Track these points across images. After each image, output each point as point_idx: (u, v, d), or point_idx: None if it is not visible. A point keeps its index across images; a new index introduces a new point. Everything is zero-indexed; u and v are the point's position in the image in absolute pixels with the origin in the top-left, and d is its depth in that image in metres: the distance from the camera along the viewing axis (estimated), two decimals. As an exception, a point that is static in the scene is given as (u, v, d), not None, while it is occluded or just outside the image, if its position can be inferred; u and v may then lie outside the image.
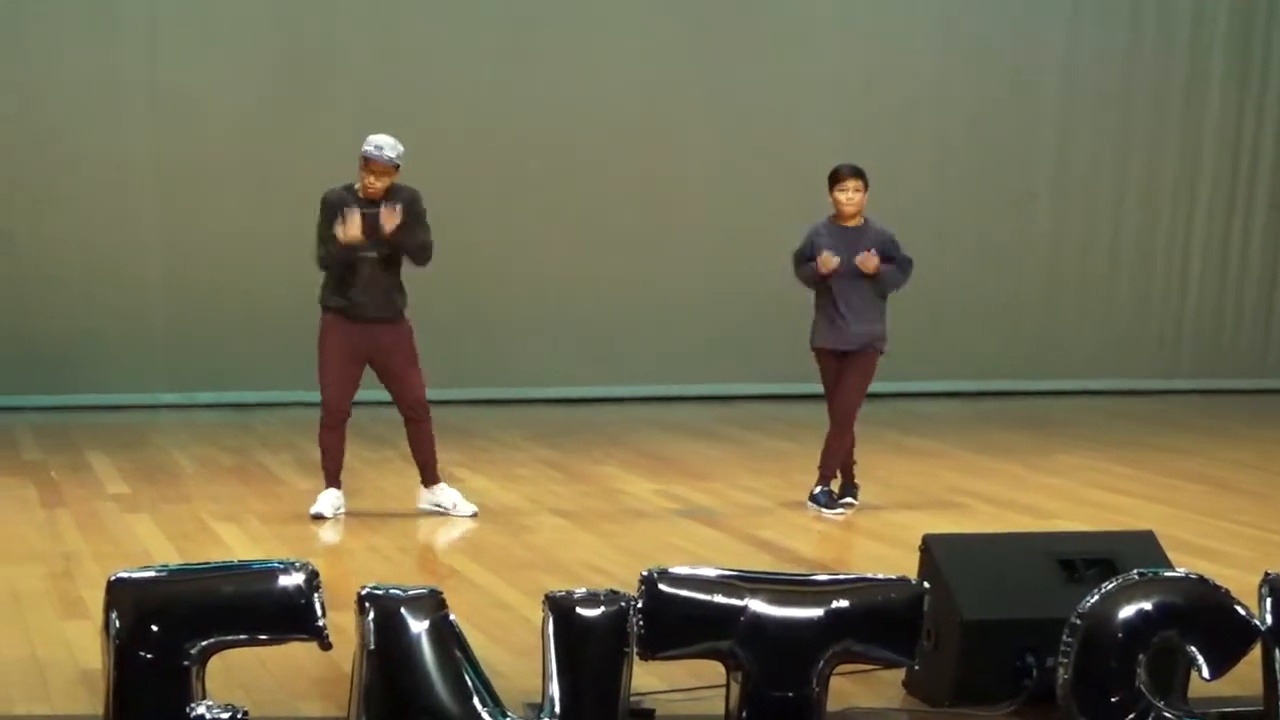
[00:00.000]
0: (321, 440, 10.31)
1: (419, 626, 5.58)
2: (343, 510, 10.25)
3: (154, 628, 5.53)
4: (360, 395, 10.10)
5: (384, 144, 10.03)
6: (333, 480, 10.29)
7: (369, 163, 10.01)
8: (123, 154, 14.58)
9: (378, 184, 10.02)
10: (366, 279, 10.10)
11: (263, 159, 14.75)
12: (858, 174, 10.71)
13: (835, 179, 10.73)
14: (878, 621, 5.99)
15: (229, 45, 14.81)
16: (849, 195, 10.66)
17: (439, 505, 10.37)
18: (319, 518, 10.16)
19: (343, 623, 5.86)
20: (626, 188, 15.67)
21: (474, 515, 10.32)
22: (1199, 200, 17.35)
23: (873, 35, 16.26)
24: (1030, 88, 16.73)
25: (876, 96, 16.20)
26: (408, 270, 10.31)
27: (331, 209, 10.06)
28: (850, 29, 16.20)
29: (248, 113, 14.81)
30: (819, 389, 11.01)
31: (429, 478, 10.42)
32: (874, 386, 16.14)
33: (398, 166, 10.08)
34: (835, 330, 10.67)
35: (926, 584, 6.15)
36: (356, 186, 10.08)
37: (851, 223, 10.73)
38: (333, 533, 10.02)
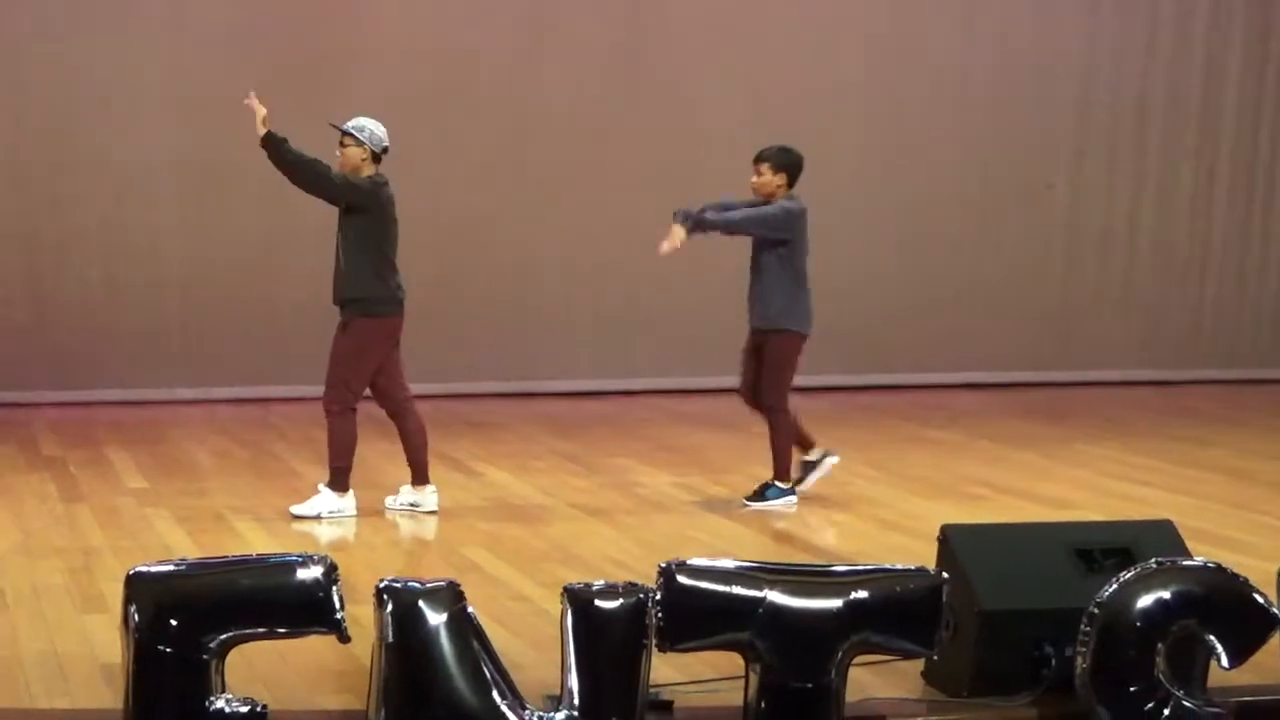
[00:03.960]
0: None
1: (437, 619, 5.58)
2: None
3: (173, 621, 5.54)
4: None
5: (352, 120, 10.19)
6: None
7: None
8: (143, 151, 14.59)
9: (341, 155, 10.11)
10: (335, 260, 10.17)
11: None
12: (759, 158, 10.74)
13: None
14: (896, 612, 5.99)
15: (248, 44, 14.81)
16: (752, 178, 10.70)
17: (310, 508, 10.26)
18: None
19: (362, 616, 5.86)
20: (646, 180, 15.65)
21: (318, 517, 10.16)
22: (1218, 190, 17.32)
23: (894, 27, 16.23)
24: (1049, 79, 16.70)
25: (898, 89, 16.19)
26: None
27: None
28: (872, 22, 16.18)
29: (267, 111, 14.80)
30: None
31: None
32: (894, 378, 16.19)
33: (353, 137, 10.11)
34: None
35: (945, 574, 6.15)
36: None
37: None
38: (351, 526, 10.03)
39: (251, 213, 14.74)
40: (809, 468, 10.95)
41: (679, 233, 10.40)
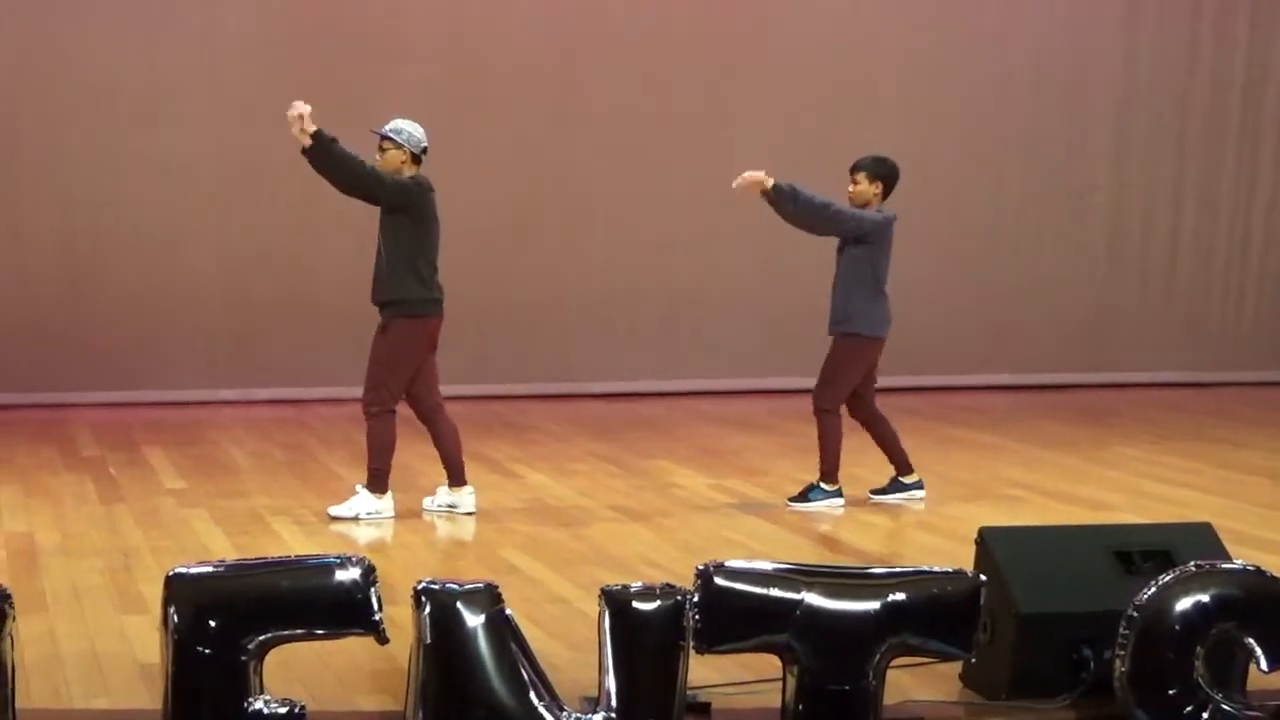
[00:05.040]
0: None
1: (475, 621, 5.59)
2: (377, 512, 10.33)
3: (212, 622, 5.55)
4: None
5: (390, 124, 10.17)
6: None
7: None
8: (181, 153, 14.64)
9: (382, 159, 10.09)
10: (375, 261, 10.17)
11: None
12: (855, 167, 10.67)
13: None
14: (934, 614, 5.98)
15: (286, 45, 14.85)
16: (849, 187, 10.66)
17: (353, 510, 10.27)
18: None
19: (400, 617, 5.88)
20: (681, 183, 15.66)
21: (355, 519, 10.16)
22: (1258, 192, 17.25)
23: (933, 29, 16.21)
24: (1090, 80, 16.65)
25: (936, 91, 16.16)
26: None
27: None
28: (910, 23, 16.16)
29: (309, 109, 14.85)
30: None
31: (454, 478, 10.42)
32: (929, 379, 16.12)
33: (392, 140, 10.09)
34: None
35: (983, 577, 6.13)
36: None
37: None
38: (389, 528, 10.04)
39: (290, 214, 14.78)
40: (897, 487, 10.92)
41: (765, 179, 10.30)
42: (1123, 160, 16.88)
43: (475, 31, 15.24)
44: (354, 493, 10.25)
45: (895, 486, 10.90)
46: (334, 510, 10.18)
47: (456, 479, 10.39)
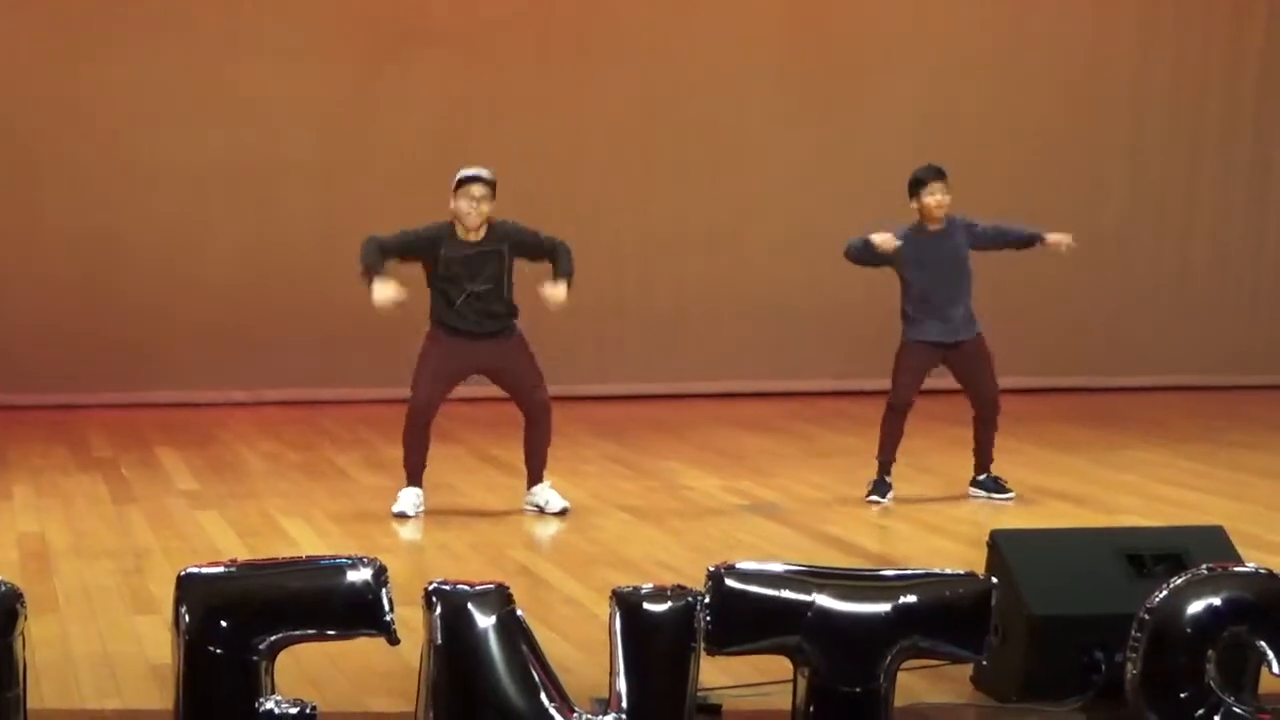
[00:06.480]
0: (405, 437, 10.34)
1: (486, 622, 5.59)
2: (422, 509, 10.28)
3: (223, 623, 5.55)
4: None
5: (479, 169, 10.13)
6: (414, 479, 10.30)
7: (468, 184, 10.08)
8: (196, 155, 14.66)
9: (483, 208, 10.07)
10: (462, 304, 10.20)
11: (335, 160, 14.84)
12: (942, 175, 10.70)
13: (921, 184, 10.67)
14: (945, 617, 5.96)
15: (302, 47, 14.87)
16: (938, 199, 10.66)
17: (535, 504, 10.40)
18: (402, 516, 10.17)
19: (411, 618, 5.88)
20: (696, 184, 15.67)
21: (563, 512, 10.31)
22: (1272, 194, 17.23)
23: (948, 32, 16.20)
24: (1103, 85, 16.63)
25: (950, 94, 16.14)
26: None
27: (422, 236, 10.20)
28: (926, 28, 16.15)
29: (320, 115, 14.87)
30: (885, 385, 10.98)
31: (535, 478, 10.46)
32: (941, 383, 16.15)
33: (493, 188, 10.12)
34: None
35: (994, 579, 6.13)
36: (455, 226, 10.17)
37: (935, 226, 10.73)
38: (401, 529, 10.05)
39: (304, 215, 14.80)
40: (882, 490, 10.92)
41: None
42: (1137, 163, 16.84)
43: (487, 47, 15.21)
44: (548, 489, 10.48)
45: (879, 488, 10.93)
46: (562, 504, 10.37)
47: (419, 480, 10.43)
